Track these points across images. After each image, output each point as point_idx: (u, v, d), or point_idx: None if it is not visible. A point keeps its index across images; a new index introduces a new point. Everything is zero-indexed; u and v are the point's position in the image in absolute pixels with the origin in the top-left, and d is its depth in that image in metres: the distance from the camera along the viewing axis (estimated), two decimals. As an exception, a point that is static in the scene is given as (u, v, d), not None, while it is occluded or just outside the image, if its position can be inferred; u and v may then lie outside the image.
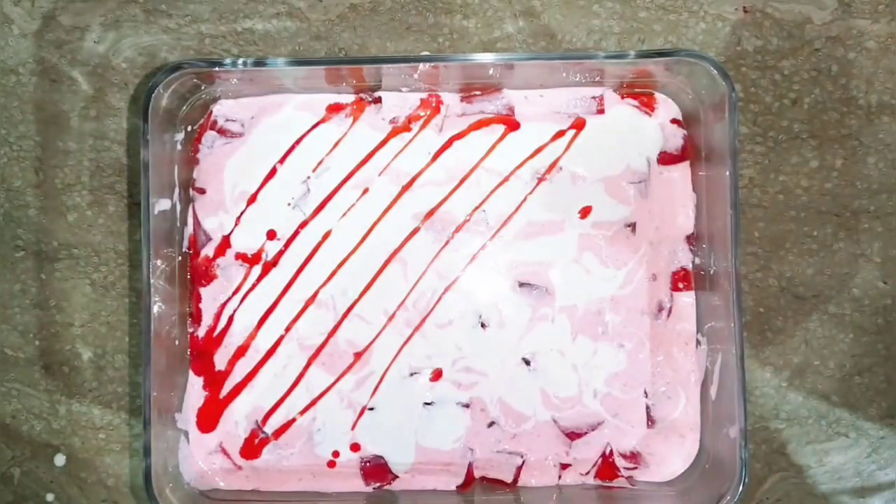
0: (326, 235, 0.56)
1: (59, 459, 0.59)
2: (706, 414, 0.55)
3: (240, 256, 0.56)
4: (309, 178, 0.56)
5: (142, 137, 0.51)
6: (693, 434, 0.55)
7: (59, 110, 0.59)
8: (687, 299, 0.56)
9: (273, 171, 0.56)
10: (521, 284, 0.56)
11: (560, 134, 0.56)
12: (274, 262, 0.56)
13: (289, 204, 0.56)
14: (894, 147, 0.58)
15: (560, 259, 0.56)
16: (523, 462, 0.56)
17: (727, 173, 0.50)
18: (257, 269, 0.56)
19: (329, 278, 0.56)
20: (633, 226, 0.56)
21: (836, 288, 0.58)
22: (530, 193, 0.56)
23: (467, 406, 0.56)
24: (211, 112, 0.56)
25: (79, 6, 0.59)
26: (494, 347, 0.56)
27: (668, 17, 0.58)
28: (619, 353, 0.56)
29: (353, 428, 0.56)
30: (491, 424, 0.56)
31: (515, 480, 0.55)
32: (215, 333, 0.56)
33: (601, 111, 0.56)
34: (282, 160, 0.56)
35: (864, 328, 0.58)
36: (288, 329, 0.56)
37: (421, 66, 0.52)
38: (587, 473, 0.56)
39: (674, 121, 0.56)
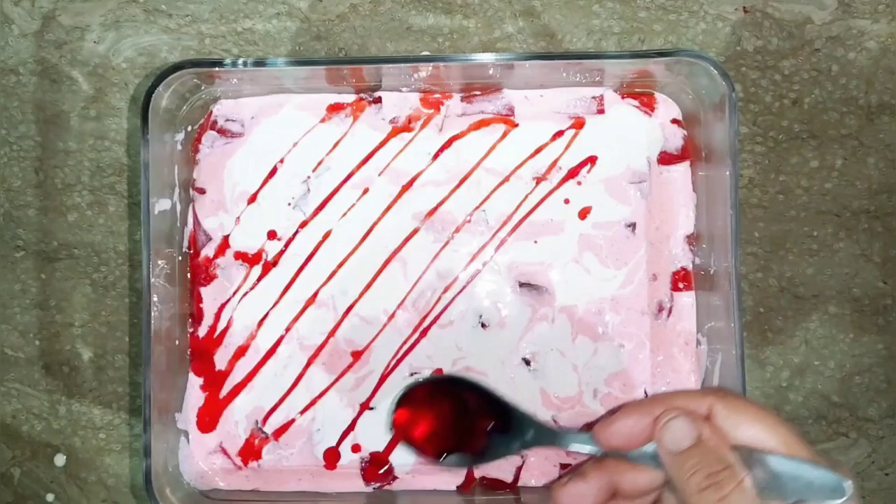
0: (326, 235, 0.56)
1: (59, 459, 0.59)
2: (706, 414, 0.55)
3: (240, 256, 0.56)
4: (309, 178, 0.56)
5: (142, 137, 0.51)
6: (693, 434, 0.55)
7: (59, 110, 0.59)
8: (687, 299, 0.56)
9: (273, 171, 0.56)
10: (521, 284, 0.56)
11: (560, 134, 0.56)
12: (274, 262, 0.56)
13: (289, 204, 0.56)
14: (894, 147, 0.58)
15: (560, 259, 0.56)
16: (523, 462, 0.56)
17: (727, 173, 0.50)
18: (257, 269, 0.56)
19: (329, 278, 0.56)
20: (633, 226, 0.56)
21: (836, 288, 0.58)
22: (530, 193, 0.56)
23: (467, 406, 0.56)
24: (211, 112, 0.56)
25: (79, 6, 0.59)
26: (494, 347, 0.56)
27: (668, 17, 0.58)
28: (620, 353, 0.56)
29: (352, 428, 0.56)
30: (491, 424, 0.56)
31: (515, 480, 0.56)
32: (215, 333, 0.56)
33: (601, 111, 0.56)
34: (282, 160, 0.56)
35: (864, 328, 0.58)
36: (288, 329, 0.56)
37: (421, 66, 0.53)
38: (587, 473, 0.56)
39: (674, 121, 0.56)
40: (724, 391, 0.41)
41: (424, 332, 0.56)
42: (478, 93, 0.56)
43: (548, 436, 0.45)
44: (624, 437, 0.41)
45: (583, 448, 0.43)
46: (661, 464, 0.40)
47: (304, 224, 0.56)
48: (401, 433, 0.48)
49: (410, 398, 0.48)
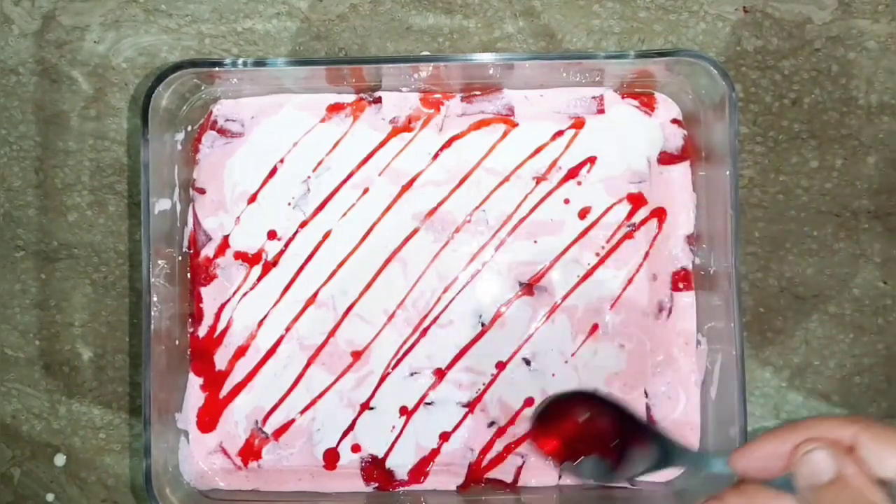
0: (326, 235, 0.56)
1: (59, 459, 0.59)
2: (706, 414, 0.55)
3: (240, 256, 0.56)
4: (309, 177, 0.56)
5: (142, 137, 0.51)
6: (693, 434, 0.55)
7: (59, 110, 0.59)
8: (687, 299, 0.56)
9: (273, 171, 0.56)
10: (521, 284, 0.56)
11: (560, 134, 0.56)
12: (274, 262, 0.56)
13: (289, 204, 0.56)
14: (894, 147, 0.58)
15: (560, 259, 0.56)
16: (523, 462, 0.56)
17: (727, 173, 0.50)
18: (257, 269, 0.56)
19: (329, 278, 0.56)
20: (633, 226, 0.56)
21: (836, 288, 0.58)
22: (530, 193, 0.56)
23: (467, 406, 0.56)
24: (211, 112, 0.56)
25: (79, 6, 0.59)
26: (494, 347, 0.56)
27: (668, 17, 0.58)
28: (619, 353, 0.56)
29: (352, 428, 0.56)
30: (491, 424, 0.56)
31: (515, 480, 0.56)
32: (215, 333, 0.56)
33: (601, 111, 0.56)
34: (282, 160, 0.56)
35: (864, 328, 0.58)
36: (288, 329, 0.56)
37: (421, 66, 0.53)
38: (587, 473, 0.56)
39: (674, 121, 0.56)
40: (869, 421, 0.38)
41: (424, 332, 0.56)
42: (478, 93, 0.56)
43: (685, 457, 0.46)
44: (760, 465, 0.40)
45: (723, 472, 0.42)
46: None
47: (304, 224, 0.56)
48: (540, 445, 0.49)
49: (545, 414, 0.49)
